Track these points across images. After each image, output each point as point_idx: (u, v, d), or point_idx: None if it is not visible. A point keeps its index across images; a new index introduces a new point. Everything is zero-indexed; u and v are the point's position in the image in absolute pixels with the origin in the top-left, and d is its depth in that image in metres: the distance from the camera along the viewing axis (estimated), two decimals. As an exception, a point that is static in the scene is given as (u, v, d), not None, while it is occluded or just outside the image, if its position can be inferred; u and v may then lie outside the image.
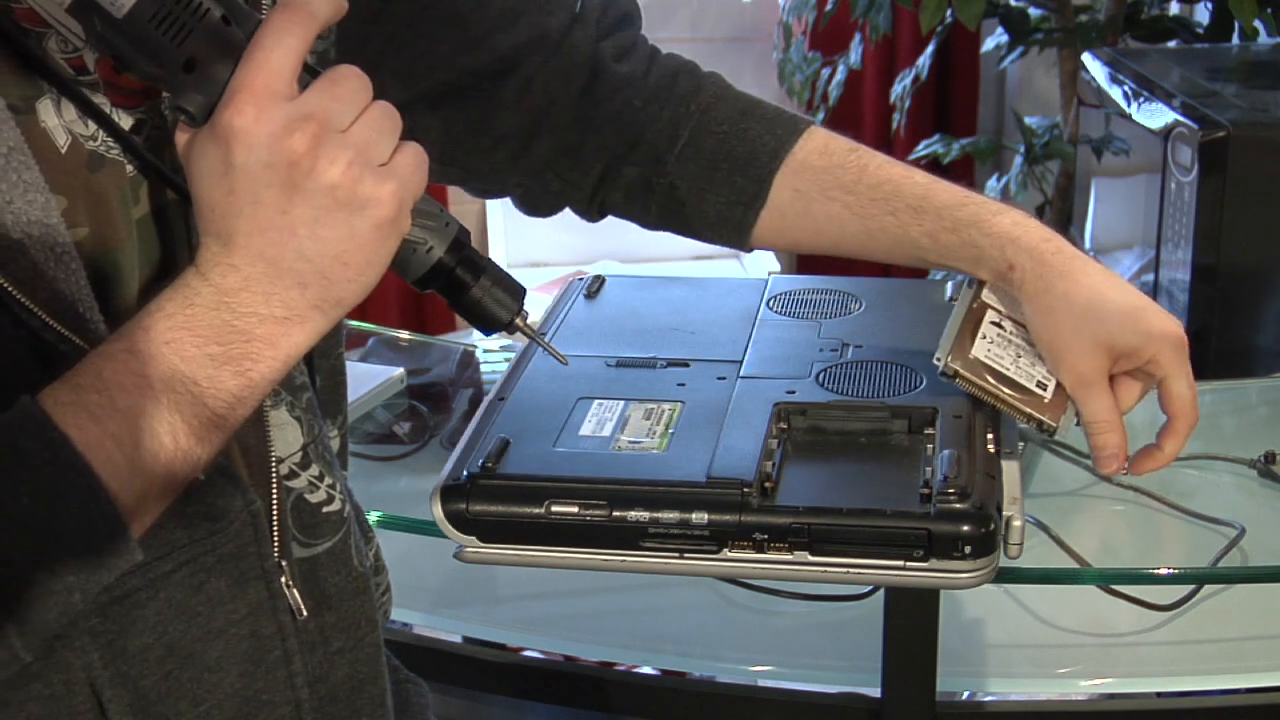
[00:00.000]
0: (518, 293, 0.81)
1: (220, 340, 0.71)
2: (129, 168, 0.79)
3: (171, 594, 0.80)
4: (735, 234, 1.08)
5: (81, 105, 0.76)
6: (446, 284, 0.79)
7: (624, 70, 1.07)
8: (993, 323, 1.02)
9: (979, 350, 1.00)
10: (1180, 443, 1.02)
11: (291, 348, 0.73)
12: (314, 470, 0.89)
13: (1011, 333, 1.03)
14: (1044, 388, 1.01)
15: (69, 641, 0.75)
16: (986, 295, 1.03)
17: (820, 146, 1.07)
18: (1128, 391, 1.01)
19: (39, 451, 0.67)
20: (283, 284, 0.71)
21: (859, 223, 1.04)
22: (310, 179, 0.69)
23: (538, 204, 1.11)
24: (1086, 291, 0.99)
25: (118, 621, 0.77)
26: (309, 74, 0.72)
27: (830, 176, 1.06)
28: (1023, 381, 1.00)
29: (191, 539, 0.79)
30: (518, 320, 0.81)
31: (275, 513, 0.85)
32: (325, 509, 0.90)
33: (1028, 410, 1.00)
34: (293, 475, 0.88)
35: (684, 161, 1.07)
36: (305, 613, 0.87)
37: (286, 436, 0.87)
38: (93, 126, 0.77)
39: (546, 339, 1.11)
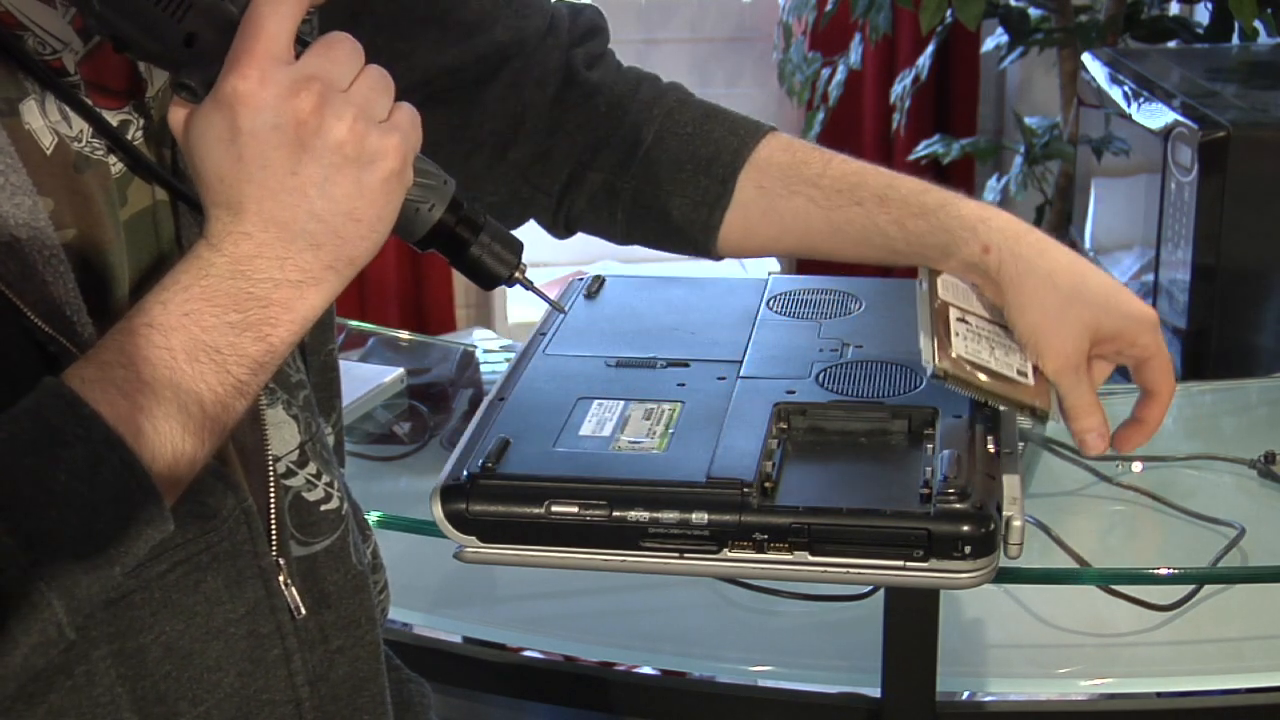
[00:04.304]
0: (516, 248, 0.82)
1: (239, 308, 0.72)
2: (115, 168, 0.79)
3: (167, 594, 0.80)
4: (701, 235, 1.07)
5: (71, 105, 0.77)
6: (447, 242, 0.80)
7: (594, 78, 1.07)
8: (958, 319, 1.00)
9: (959, 348, 0.98)
10: (1163, 413, 1.01)
11: (308, 310, 0.74)
12: (311, 468, 0.89)
13: (978, 326, 1.00)
14: (1024, 375, 0.99)
15: (86, 633, 0.75)
16: (942, 291, 1.01)
17: (783, 145, 1.07)
18: (1100, 372, 1.00)
19: (72, 429, 0.68)
20: (296, 247, 0.72)
21: (824, 216, 1.04)
22: (318, 137, 0.71)
23: (505, 214, 1.10)
24: (1068, 274, 0.98)
25: (113, 623, 0.77)
26: (300, 46, 0.73)
27: (794, 171, 1.05)
28: (1006, 373, 0.98)
29: (184, 538, 0.79)
30: (517, 274, 0.82)
31: (273, 511, 0.85)
32: (323, 507, 0.90)
33: (1021, 399, 0.97)
34: (290, 473, 0.88)
35: (648, 164, 1.07)
36: (304, 611, 0.87)
37: (283, 434, 0.87)
38: (77, 127, 0.77)
39: (546, 340, 1.11)
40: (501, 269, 0.82)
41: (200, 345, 0.72)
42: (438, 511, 0.92)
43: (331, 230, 0.73)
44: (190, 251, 0.74)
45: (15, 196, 0.72)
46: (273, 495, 0.86)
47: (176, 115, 0.74)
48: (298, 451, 0.88)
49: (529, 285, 0.83)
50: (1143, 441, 1.02)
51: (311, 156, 0.71)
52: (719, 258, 1.10)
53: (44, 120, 0.76)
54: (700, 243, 1.08)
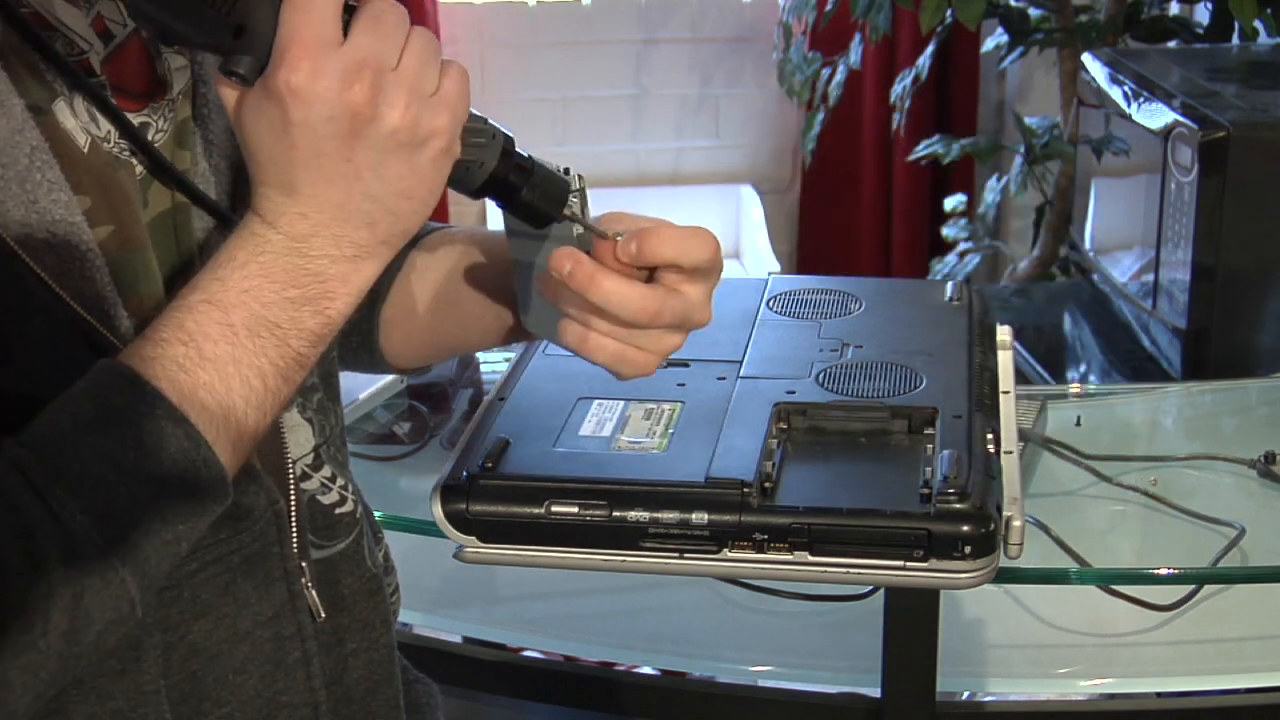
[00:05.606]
0: (564, 185, 0.83)
1: (297, 283, 0.73)
2: (138, 169, 0.79)
3: (196, 594, 0.80)
4: (369, 303, 0.99)
5: (100, 107, 0.77)
6: (499, 190, 0.82)
7: None
8: None
9: None
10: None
11: (363, 282, 0.75)
12: (326, 471, 0.89)
13: None
14: None
15: (142, 619, 0.75)
16: None
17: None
18: None
19: (135, 406, 0.69)
20: (351, 225, 0.73)
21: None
22: (372, 126, 0.71)
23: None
24: None
25: (140, 623, 0.77)
26: (345, 10, 0.72)
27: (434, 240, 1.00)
28: None
29: (216, 538, 0.80)
30: (565, 212, 0.83)
31: (293, 514, 0.85)
32: (338, 510, 0.90)
33: None
34: (305, 477, 0.88)
35: None
36: (323, 614, 0.87)
37: (299, 437, 0.87)
38: (105, 128, 0.78)
39: (546, 340, 1.11)
40: (553, 208, 0.83)
41: (260, 320, 0.72)
42: (438, 511, 0.92)
43: (385, 209, 0.73)
44: (242, 226, 0.74)
45: (52, 192, 0.73)
46: (292, 498, 0.86)
47: (227, 95, 0.73)
48: (312, 455, 0.88)
49: (577, 219, 0.83)
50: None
51: (365, 144, 0.71)
52: (385, 365, 1.03)
53: (75, 120, 0.76)
54: (368, 310, 1.00)
